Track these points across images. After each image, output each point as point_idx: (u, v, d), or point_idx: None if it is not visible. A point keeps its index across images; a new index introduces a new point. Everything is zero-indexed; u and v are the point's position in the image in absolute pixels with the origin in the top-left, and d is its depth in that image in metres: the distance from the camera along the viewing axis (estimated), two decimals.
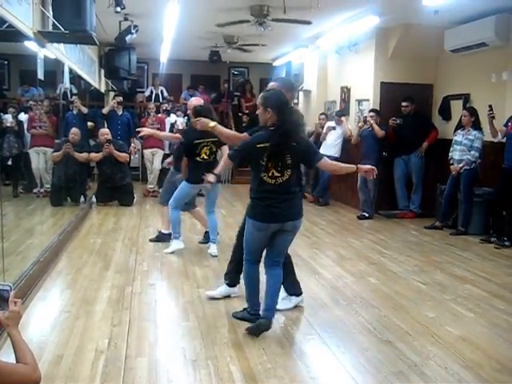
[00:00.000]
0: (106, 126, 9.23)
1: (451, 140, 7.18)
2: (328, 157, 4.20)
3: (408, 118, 7.90)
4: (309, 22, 7.40)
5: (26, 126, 8.01)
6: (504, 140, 6.47)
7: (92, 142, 9.19)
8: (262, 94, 3.69)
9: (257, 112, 3.66)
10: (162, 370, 3.10)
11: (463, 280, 5.02)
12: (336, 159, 7.10)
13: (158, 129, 9.52)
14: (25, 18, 4.37)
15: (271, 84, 3.97)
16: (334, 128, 8.90)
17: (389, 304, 4.29)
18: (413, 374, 3.09)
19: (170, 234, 5.99)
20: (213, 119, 4.39)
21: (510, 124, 6.37)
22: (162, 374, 3.05)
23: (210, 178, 4.47)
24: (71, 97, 9.15)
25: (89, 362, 3.14)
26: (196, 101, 5.79)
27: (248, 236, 3.70)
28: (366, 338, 3.63)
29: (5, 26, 4.00)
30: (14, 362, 1.98)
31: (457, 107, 7.73)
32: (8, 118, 7.38)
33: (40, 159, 8.01)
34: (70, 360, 3.16)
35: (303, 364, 3.22)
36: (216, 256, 5.61)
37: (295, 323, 3.90)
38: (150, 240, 6.26)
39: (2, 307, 2.08)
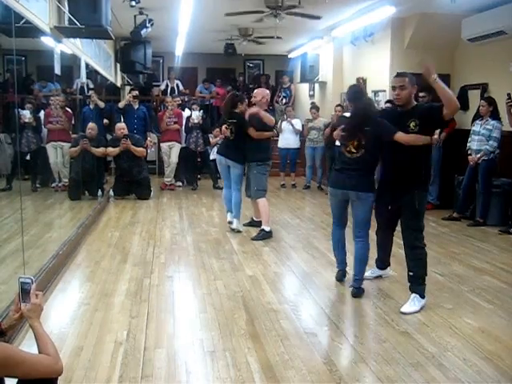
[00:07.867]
0: (122, 120, 9.26)
1: (469, 130, 7.10)
2: None
3: None
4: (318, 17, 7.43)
5: (42, 121, 8.09)
6: None
7: (109, 136, 9.26)
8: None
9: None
10: (181, 361, 3.13)
11: (482, 271, 4.98)
12: None
13: (176, 122, 9.57)
14: (41, 14, 4.43)
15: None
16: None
17: (406, 295, 4.25)
18: (431, 366, 3.08)
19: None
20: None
21: None
22: (180, 365, 3.08)
23: None
24: (88, 91, 9.21)
25: (108, 354, 3.18)
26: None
27: (329, 202, 4.46)
28: (384, 329, 3.62)
29: (22, 22, 4.05)
30: (37, 353, 2.02)
31: (474, 97, 7.64)
32: (26, 114, 7.44)
33: (57, 154, 8.10)
34: (90, 351, 3.21)
35: (321, 355, 3.22)
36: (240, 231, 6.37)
37: (312, 315, 3.90)
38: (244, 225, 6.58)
39: (24, 300, 2.12)
